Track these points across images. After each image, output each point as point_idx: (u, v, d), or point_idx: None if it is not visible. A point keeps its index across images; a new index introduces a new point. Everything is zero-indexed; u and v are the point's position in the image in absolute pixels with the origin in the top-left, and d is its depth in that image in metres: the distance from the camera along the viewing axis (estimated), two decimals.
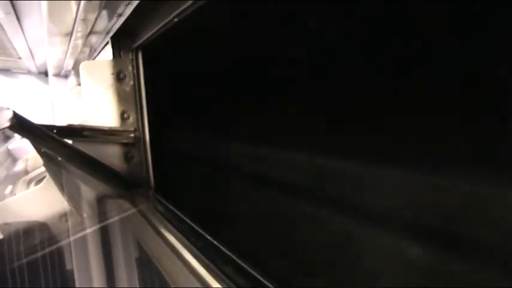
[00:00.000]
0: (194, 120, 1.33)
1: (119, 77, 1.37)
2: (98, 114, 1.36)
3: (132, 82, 1.38)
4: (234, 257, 0.89)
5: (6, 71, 3.66)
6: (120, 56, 1.39)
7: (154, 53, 1.34)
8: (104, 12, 1.09)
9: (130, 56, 1.38)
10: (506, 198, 0.44)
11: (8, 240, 1.51)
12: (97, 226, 1.41)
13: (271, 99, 0.89)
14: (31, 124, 1.15)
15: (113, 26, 1.22)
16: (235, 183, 1.09)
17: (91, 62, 1.46)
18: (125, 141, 1.39)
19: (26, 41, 2.22)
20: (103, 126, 1.36)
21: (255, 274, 0.80)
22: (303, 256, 0.81)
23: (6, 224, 1.46)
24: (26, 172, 2.47)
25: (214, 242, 1.00)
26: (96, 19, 1.15)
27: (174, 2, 0.98)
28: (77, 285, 1.57)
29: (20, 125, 1.10)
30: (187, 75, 1.28)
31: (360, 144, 0.67)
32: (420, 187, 0.57)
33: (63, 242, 1.50)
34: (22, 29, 1.95)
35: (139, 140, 1.41)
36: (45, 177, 1.50)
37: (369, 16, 0.58)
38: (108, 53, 1.45)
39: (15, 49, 2.53)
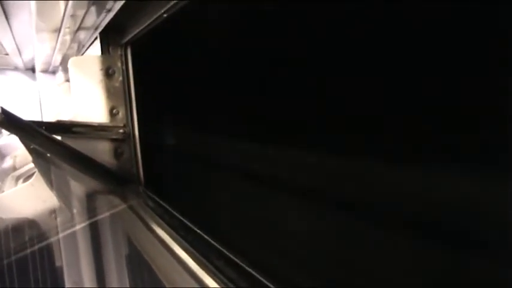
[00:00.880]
0: (184, 116, 1.34)
1: (108, 73, 1.36)
2: (87, 110, 1.35)
3: (121, 78, 1.38)
4: (225, 251, 0.90)
5: None
6: (109, 52, 1.38)
7: (144, 49, 1.34)
8: (93, 8, 1.09)
9: (119, 52, 1.38)
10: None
11: None
12: (87, 222, 1.41)
13: (260, 96, 0.90)
14: (20, 120, 1.14)
15: (101, 21, 1.22)
16: (224, 178, 1.10)
17: (80, 57, 1.45)
18: (114, 137, 1.38)
19: (13, 37, 2.20)
20: (92, 122, 1.36)
21: (247, 268, 0.81)
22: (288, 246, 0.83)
23: None
24: (15, 169, 2.46)
25: (205, 236, 1.01)
26: (84, 15, 1.14)
27: None
28: (67, 282, 1.57)
29: (9, 121, 1.10)
30: (177, 71, 1.28)
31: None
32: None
33: (53, 239, 1.50)
34: (9, 25, 1.93)
35: (128, 136, 1.41)
36: (34, 173, 1.49)
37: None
38: (96, 48, 1.44)
39: (2, 45, 2.50)
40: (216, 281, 0.82)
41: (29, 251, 1.53)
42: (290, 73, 0.79)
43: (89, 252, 1.47)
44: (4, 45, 2.50)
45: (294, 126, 0.80)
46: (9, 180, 2.29)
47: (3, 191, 1.98)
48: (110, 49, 1.38)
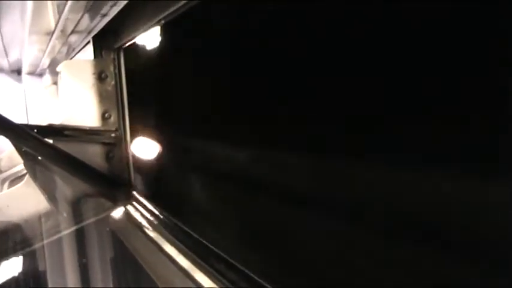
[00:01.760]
0: (177, 120, 1.34)
1: (100, 77, 1.37)
2: (79, 114, 1.36)
3: (113, 82, 1.39)
4: (215, 250, 0.91)
5: None
6: (101, 56, 1.39)
7: (136, 53, 1.34)
8: (89, 12, 1.09)
9: (112, 56, 1.39)
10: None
11: None
12: (79, 225, 1.40)
13: (255, 100, 0.91)
14: (11, 123, 1.14)
15: (95, 26, 1.23)
16: (214, 182, 1.11)
17: (72, 61, 1.45)
18: (106, 140, 1.39)
19: (2, 38, 2.18)
20: (84, 126, 1.36)
21: (237, 264, 0.84)
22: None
23: None
24: (0, 171, 2.43)
25: (195, 235, 1.02)
26: (80, 19, 1.15)
27: (159, 3, 0.99)
28: (50, 285, 1.56)
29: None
30: (171, 75, 1.29)
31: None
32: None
33: (44, 242, 1.49)
34: None
35: (120, 140, 1.41)
36: (19, 176, 1.48)
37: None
38: (87, 52, 1.44)
39: None
40: (211, 279, 0.84)
41: (19, 254, 1.52)
42: (290, 73, 0.80)
43: (81, 254, 1.46)
44: None
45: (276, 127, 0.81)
46: None
47: None
48: (103, 53, 1.39)
